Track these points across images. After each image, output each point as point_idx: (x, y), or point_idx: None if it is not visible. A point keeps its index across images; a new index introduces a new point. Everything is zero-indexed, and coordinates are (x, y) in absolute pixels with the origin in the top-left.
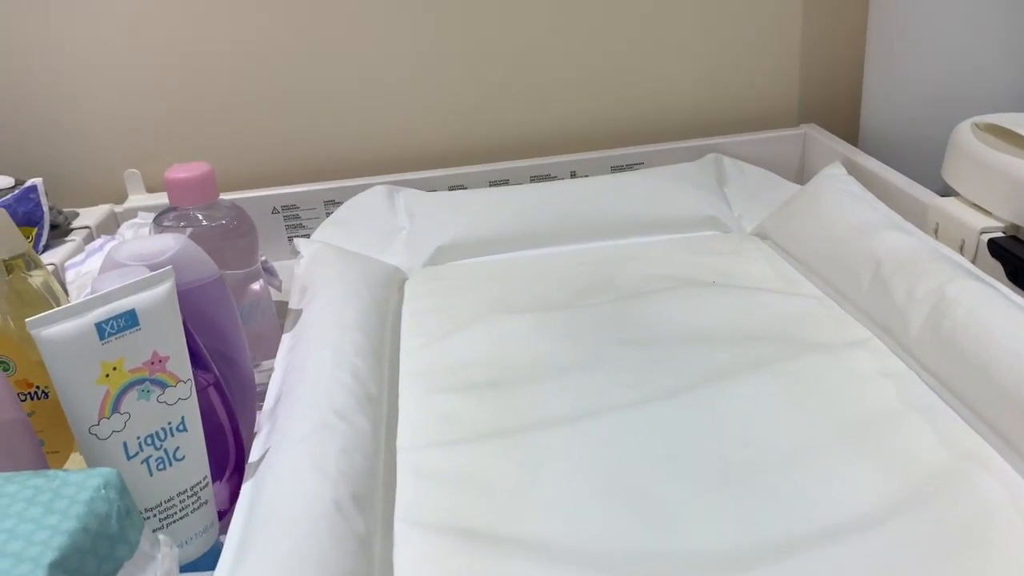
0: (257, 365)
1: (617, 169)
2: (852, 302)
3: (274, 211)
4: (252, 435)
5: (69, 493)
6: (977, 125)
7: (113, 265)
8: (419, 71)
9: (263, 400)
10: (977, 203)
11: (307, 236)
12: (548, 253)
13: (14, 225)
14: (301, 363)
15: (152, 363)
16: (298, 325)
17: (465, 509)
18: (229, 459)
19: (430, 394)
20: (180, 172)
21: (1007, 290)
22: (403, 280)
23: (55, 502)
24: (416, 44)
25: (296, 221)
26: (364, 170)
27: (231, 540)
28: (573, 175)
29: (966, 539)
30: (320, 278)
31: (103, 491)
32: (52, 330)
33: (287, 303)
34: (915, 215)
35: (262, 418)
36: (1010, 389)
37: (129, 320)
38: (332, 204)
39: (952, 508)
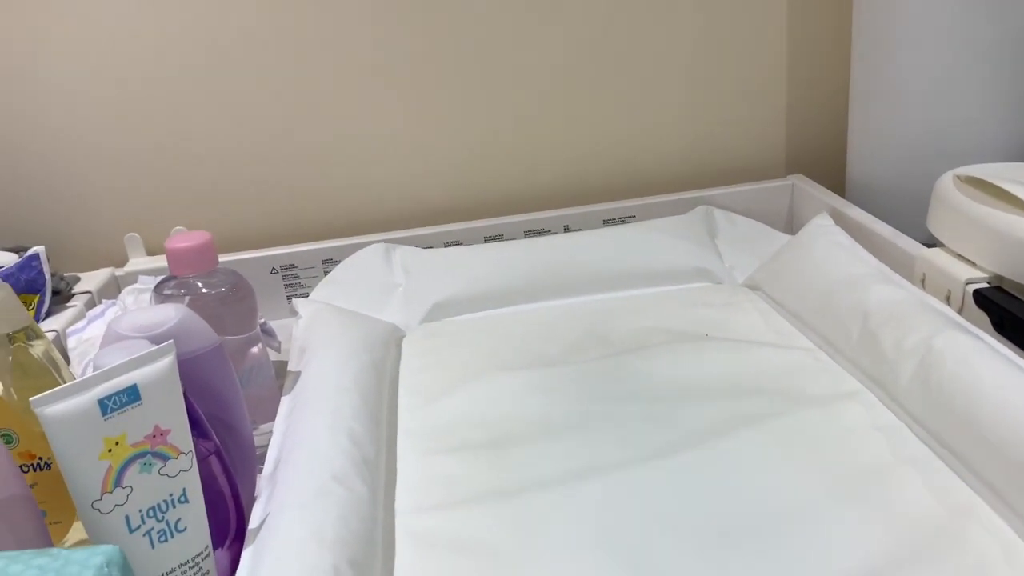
0: (256, 428)
1: (609, 223)
2: (842, 354)
3: (273, 271)
4: (252, 500)
5: (72, 572)
6: (959, 177)
7: (114, 337)
8: (414, 130)
9: (263, 463)
10: (962, 254)
11: (306, 295)
12: (543, 307)
13: (17, 299)
14: (299, 427)
15: (154, 436)
16: (296, 388)
17: (463, 573)
18: (230, 526)
19: (427, 455)
20: (180, 242)
21: (994, 341)
22: (401, 337)
23: None
24: (411, 103)
25: (295, 280)
26: (361, 228)
27: None
28: (566, 229)
29: None
30: (318, 340)
31: (105, 570)
32: (55, 408)
33: (286, 363)
34: (902, 265)
35: (262, 483)
36: (998, 441)
37: (131, 395)
38: (330, 263)
39: (946, 564)
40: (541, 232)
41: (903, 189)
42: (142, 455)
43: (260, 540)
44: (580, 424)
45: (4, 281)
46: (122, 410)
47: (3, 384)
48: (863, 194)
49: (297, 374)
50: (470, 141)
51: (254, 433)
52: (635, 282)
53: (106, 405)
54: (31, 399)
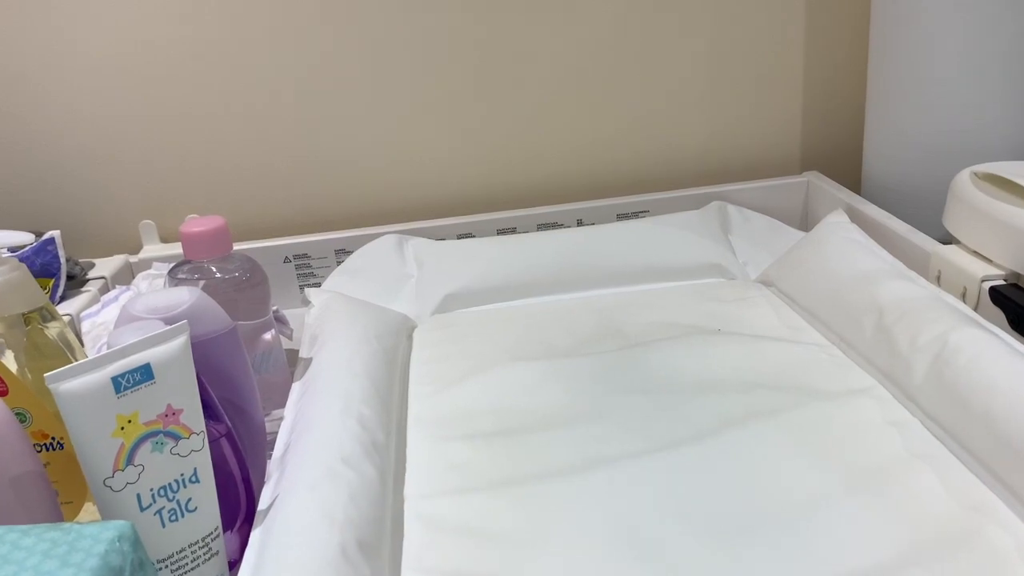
0: (268, 414)
1: (623, 217)
2: (856, 350)
3: (286, 260)
4: (262, 484)
5: (84, 546)
6: (976, 174)
7: (129, 318)
8: (429, 124)
9: (273, 449)
10: (978, 251)
11: (318, 285)
12: (554, 300)
13: (33, 280)
14: (310, 411)
15: (166, 416)
16: (308, 374)
17: (472, 559)
18: (240, 509)
19: (438, 443)
20: (195, 226)
21: (1009, 338)
22: (412, 328)
23: (71, 555)
24: (426, 97)
25: (308, 270)
26: (374, 220)
27: None
28: (579, 223)
29: None
30: (330, 327)
31: (117, 544)
32: (69, 384)
33: (298, 351)
34: (917, 262)
35: (272, 466)
36: (1013, 438)
37: (144, 374)
38: (343, 253)
39: (960, 560)
40: (554, 226)
41: (919, 186)
42: (154, 434)
43: (269, 520)
44: (591, 415)
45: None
46: (135, 388)
47: (18, 364)
48: (879, 191)
49: (308, 361)
50: (484, 134)
51: (266, 419)
52: (648, 277)
53: (120, 383)
54: (45, 375)
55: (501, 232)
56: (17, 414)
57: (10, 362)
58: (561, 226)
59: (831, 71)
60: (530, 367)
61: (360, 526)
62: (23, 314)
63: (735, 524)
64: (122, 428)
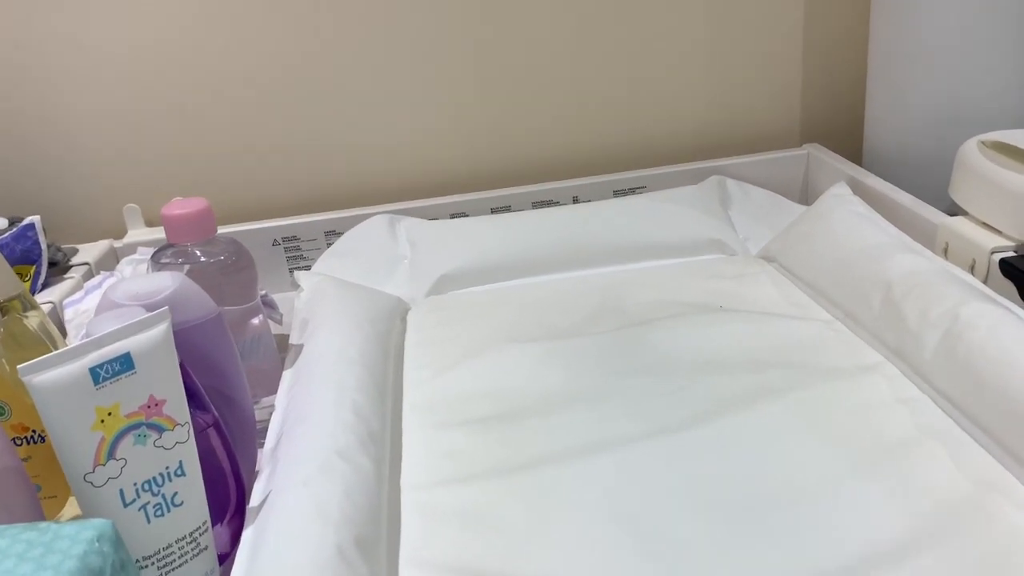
0: (257, 402)
1: (620, 194)
2: (863, 325)
3: (275, 243)
4: (253, 474)
5: (62, 547)
6: (983, 143)
7: (109, 305)
8: (418, 99)
9: (264, 438)
10: (986, 222)
11: (308, 268)
12: (551, 280)
13: (8, 267)
14: (303, 401)
15: (148, 407)
16: (299, 361)
17: (472, 549)
18: (230, 501)
19: (435, 429)
20: (177, 208)
21: (1021, 311)
22: (406, 310)
23: (47, 557)
24: (415, 72)
25: (297, 253)
26: (364, 200)
27: None
28: (575, 200)
29: (990, 570)
30: (321, 311)
31: (96, 544)
32: (44, 376)
33: (288, 337)
34: (923, 235)
35: (263, 458)
36: None
37: (124, 364)
38: (333, 235)
39: (974, 539)
40: (549, 203)
41: (923, 157)
42: (136, 426)
43: (262, 518)
44: (592, 397)
45: None
46: (115, 379)
47: None
48: (881, 163)
49: (299, 347)
50: (476, 110)
51: (255, 407)
52: (647, 254)
53: (98, 374)
54: (19, 367)
55: (495, 211)
56: None
57: None
58: (557, 204)
59: (831, 40)
60: (528, 349)
61: (357, 522)
62: (0, 304)
63: (744, 507)
64: (102, 421)
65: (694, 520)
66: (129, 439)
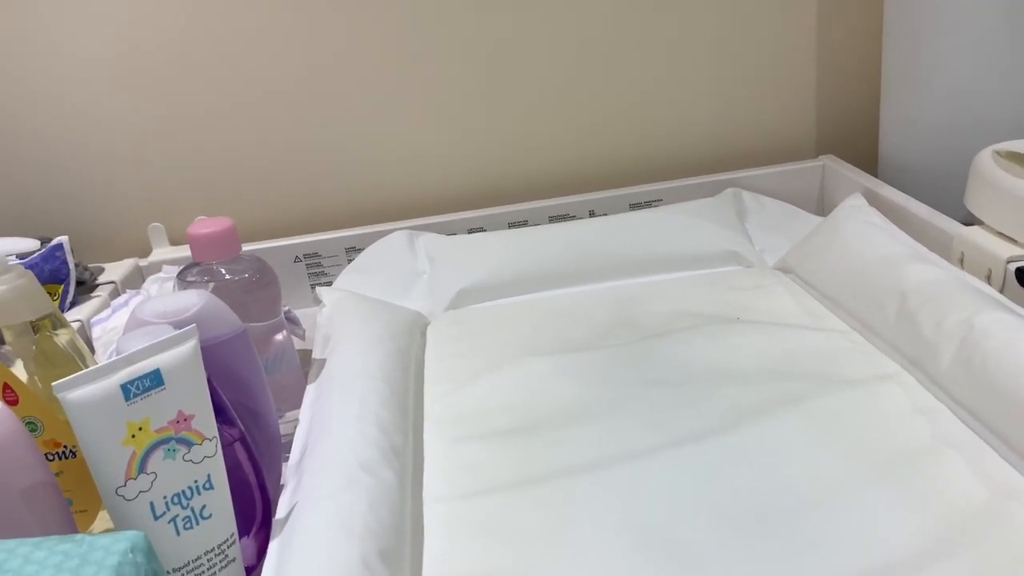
0: (282, 416)
1: (636, 207)
2: (879, 335)
3: (296, 259)
4: (278, 487)
5: (96, 559)
6: (998, 152)
7: (137, 323)
8: (436, 115)
9: (288, 451)
10: (1002, 231)
11: (329, 284)
12: (569, 293)
13: (40, 287)
14: (326, 416)
15: (177, 422)
16: (322, 375)
17: (493, 560)
18: (256, 514)
19: (455, 443)
20: (202, 228)
21: None
22: (425, 325)
23: (83, 568)
24: (433, 88)
25: (318, 269)
26: (384, 216)
27: None
28: (592, 214)
29: None
30: (343, 327)
31: (130, 555)
32: (78, 393)
33: (311, 352)
34: (939, 245)
35: (288, 472)
36: None
37: (154, 380)
38: (353, 251)
39: (992, 547)
40: (566, 217)
41: (938, 167)
42: (166, 441)
43: (287, 531)
44: (610, 409)
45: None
46: (145, 395)
47: (27, 372)
48: (897, 174)
49: (322, 362)
50: (492, 126)
51: (279, 421)
52: (663, 266)
53: (129, 390)
54: (53, 384)
55: (512, 225)
56: (28, 423)
57: (19, 371)
58: (573, 218)
59: (845, 51)
60: (546, 361)
61: (380, 535)
62: (31, 322)
63: (761, 517)
64: (133, 436)
65: (712, 530)
66: (159, 453)
